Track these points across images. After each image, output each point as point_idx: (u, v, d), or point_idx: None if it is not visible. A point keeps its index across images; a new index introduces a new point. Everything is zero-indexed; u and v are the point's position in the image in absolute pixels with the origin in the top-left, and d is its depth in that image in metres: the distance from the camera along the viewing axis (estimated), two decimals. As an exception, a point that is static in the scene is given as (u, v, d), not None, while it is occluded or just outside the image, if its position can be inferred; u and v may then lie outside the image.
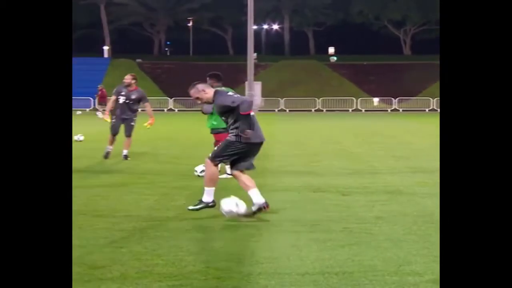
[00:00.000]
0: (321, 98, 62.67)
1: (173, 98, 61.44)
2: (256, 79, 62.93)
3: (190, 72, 71.23)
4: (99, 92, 52.86)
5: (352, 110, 61.26)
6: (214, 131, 13.44)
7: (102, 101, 50.16)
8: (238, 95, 9.44)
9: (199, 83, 9.30)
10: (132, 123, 16.71)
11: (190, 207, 9.11)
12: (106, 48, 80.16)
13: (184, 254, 6.96)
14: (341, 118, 44.06)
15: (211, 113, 13.30)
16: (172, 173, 14.01)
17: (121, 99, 16.53)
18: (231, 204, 8.77)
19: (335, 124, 36.98)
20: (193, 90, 9.19)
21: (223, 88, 13.60)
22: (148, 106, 16.84)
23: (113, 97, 16.74)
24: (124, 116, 16.57)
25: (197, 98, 9.22)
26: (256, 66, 65.53)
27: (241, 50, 69.60)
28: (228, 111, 9.06)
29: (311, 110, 60.40)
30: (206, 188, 9.08)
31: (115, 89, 16.89)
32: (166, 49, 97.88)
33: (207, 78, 13.77)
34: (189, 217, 9.03)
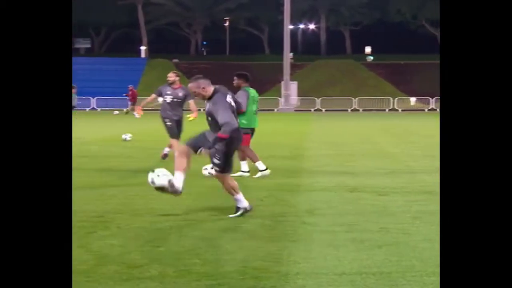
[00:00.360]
0: (357, 98, 62.42)
1: (209, 98, 61.64)
2: (292, 79, 62.94)
3: (226, 72, 71.33)
4: (130, 92, 53.38)
5: (389, 110, 60.92)
6: (241, 130, 13.46)
7: (133, 101, 50.85)
8: (234, 105, 9.28)
9: (201, 78, 9.19)
10: (181, 126, 16.40)
11: (231, 215, 9.08)
12: (143, 48, 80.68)
13: (221, 254, 6.99)
14: (378, 118, 43.85)
15: (244, 112, 13.36)
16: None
17: (169, 98, 16.19)
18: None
19: (372, 124, 36.82)
20: (193, 84, 9.10)
21: (250, 89, 13.67)
22: (192, 103, 16.47)
23: (153, 96, 16.53)
24: (176, 117, 16.20)
25: (194, 92, 9.15)
26: (292, 66, 65.53)
27: (277, 49, 69.70)
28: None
29: (347, 110, 60.19)
30: (235, 197, 9.13)
31: (157, 89, 16.62)
32: (203, 49, 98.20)
33: (235, 78, 13.77)
34: (226, 217, 9.06)
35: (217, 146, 8.91)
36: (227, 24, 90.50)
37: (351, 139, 24.88)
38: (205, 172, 13.00)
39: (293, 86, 63.54)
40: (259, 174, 13.42)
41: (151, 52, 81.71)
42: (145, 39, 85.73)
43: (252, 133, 13.69)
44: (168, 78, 16.47)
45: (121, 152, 18.40)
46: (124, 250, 7.14)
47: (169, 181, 8.95)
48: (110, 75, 67.59)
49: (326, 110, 59.53)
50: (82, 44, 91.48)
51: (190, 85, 9.17)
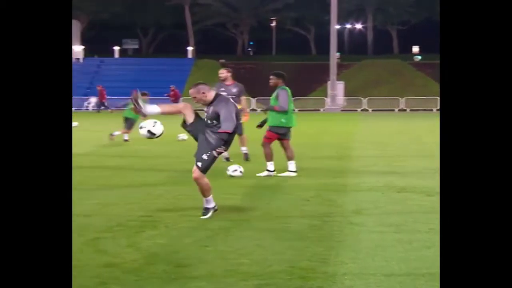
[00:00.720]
0: (404, 98, 61.91)
1: (256, 98, 61.70)
2: (338, 79, 62.70)
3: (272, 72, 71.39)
4: (171, 92, 53.80)
5: (436, 110, 60.32)
6: (275, 129, 13.49)
7: (175, 101, 51.45)
8: (235, 107, 9.24)
9: (201, 83, 9.21)
10: (240, 121, 15.80)
11: (202, 217, 9.00)
12: (190, 49, 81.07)
13: (268, 254, 7.00)
14: (425, 118, 43.44)
15: (286, 111, 13.40)
16: (257, 172, 14.06)
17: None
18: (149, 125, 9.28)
19: (419, 124, 36.50)
20: (194, 90, 9.11)
21: (286, 88, 13.68)
22: (244, 100, 16.18)
23: (244, 98, 16.18)
24: None
25: (194, 98, 9.13)
26: (339, 66, 65.27)
27: (324, 49, 69.50)
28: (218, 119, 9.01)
29: (394, 110, 59.75)
30: (206, 199, 9.10)
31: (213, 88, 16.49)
32: (249, 49, 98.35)
33: (273, 77, 13.72)
34: (273, 217, 9.08)
35: (213, 142, 8.91)
36: (273, 24, 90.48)
37: (398, 139, 24.70)
38: (234, 173, 13.14)
39: (340, 86, 63.26)
40: (265, 172, 13.51)
41: (198, 53, 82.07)
42: (192, 40, 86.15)
43: (289, 132, 13.68)
44: (220, 75, 16.25)
45: (170, 153, 18.53)
46: (172, 250, 7.19)
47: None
48: (158, 76, 68.05)
49: (372, 110, 59.17)
50: (130, 45, 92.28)
51: (190, 91, 9.17)
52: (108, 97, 59.81)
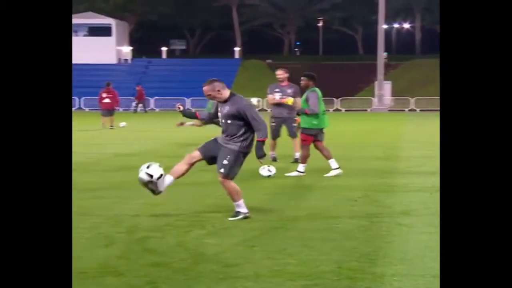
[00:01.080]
0: (453, 98, 61.22)
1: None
2: (386, 79, 62.32)
3: (319, 72, 71.01)
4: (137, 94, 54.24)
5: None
6: (307, 131, 13.46)
7: (141, 102, 52.41)
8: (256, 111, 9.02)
9: (216, 81, 8.96)
10: (294, 124, 15.87)
11: (230, 219, 8.86)
12: (237, 49, 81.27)
13: (315, 254, 6.99)
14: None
15: (317, 114, 13.37)
16: (306, 172, 14.04)
17: (277, 96, 15.86)
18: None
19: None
20: (209, 87, 8.87)
21: (316, 89, 13.64)
22: (299, 101, 15.43)
23: (271, 96, 16.03)
24: (284, 116, 15.91)
25: (209, 95, 8.92)
26: (386, 66, 64.87)
27: (371, 49, 69.11)
28: (242, 119, 8.82)
29: (442, 110, 59.08)
30: (236, 203, 8.95)
31: (268, 89, 16.24)
32: (296, 49, 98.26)
33: (305, 78, 13.66)
34: (320, 217, 9.05)
35: (233, 147, 8.80)
36: (320, 24, 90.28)
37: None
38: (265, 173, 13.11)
39: (387, 86, 62.86)
40: (295, 173, 13.48)
41: (244, 53, 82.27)
42: (239, 40, 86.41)
43: (322, 133, 13.65)
44: (278, 76, 16.11)
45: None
46: (219, 249, 7.21)
47: (159, 176, 8.77)
48: (205, 76, 68.26)
49: (420, 110, 58.66)
50: (177, 45, 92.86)
51: (205, 88, 8.91)
52: (156, 97, 60.34)
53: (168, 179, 8.94)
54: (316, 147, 13.67)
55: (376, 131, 29.75)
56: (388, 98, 62.30)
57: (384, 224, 8.63)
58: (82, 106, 62.97)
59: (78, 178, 11.85)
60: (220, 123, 9.06)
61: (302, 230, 8.23)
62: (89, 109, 61.45)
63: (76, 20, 77.46)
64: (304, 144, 13.59)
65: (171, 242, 7.57)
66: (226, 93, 8.94)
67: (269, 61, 75.65)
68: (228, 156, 8.80)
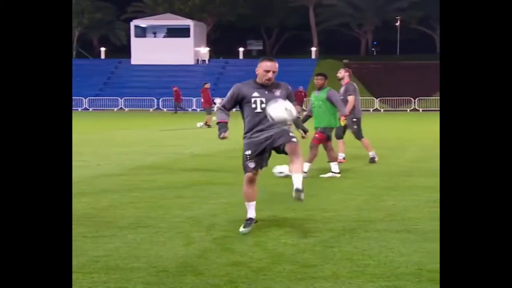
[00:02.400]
0: None
1: (379, 98, 61.11)
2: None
3: (396, 72, 70.51)
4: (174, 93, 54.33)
5: None
6: (327, 130, 13.42)
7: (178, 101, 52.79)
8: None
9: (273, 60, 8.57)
10: (355, 126, 15.92)
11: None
12: (313, 49, 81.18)
13: (395, 255, 6.92)
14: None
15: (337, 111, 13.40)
16: (380, 173, 13.94)
17: None
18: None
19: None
20: (275, 65, 8.56)
21: (328, 88, 13.60)
22: (351, 100, 15.70)
23: (352, 97, 15.78)
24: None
25: (274, 72, 8.53)
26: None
27: (450, 48, 68.10)
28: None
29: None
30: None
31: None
32: (373, 49, 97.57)
33: (323, 78, 13.65)
34: (399, 218, 8.96)
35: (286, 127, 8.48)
36: (398, 23, 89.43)
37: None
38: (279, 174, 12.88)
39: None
40: (329, 174, 13.39)
41: (321, 53, 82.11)
42: (315, 40, 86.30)
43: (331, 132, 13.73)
44: (338, 74, 16.30)
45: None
46: (297, 250, 7.21)
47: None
48: (281, 77, 68.38)
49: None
50: (254, 46, 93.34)
51: (273, 64, 8.47)
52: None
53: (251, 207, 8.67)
54: (326, 147, 13.57)
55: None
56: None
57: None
58: (160, 106, 63.86)
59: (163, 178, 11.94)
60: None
61: (381, 231, 8.17)
62: (167, 110, 62.32)
63: (155, 21, 78.79)
64: (316, 144, 13.48)
65: (249, 242, 7.60)
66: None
67: (346, 61, 75.32)
68: (290, 133, 8.46)
